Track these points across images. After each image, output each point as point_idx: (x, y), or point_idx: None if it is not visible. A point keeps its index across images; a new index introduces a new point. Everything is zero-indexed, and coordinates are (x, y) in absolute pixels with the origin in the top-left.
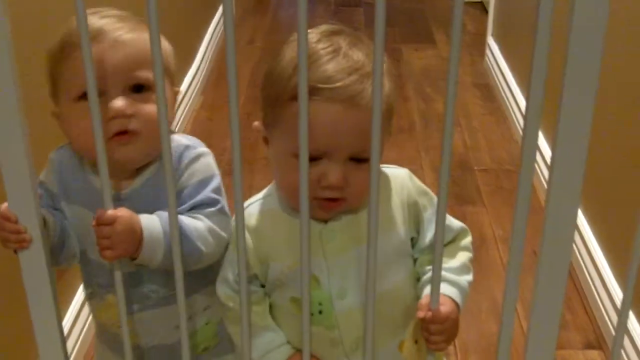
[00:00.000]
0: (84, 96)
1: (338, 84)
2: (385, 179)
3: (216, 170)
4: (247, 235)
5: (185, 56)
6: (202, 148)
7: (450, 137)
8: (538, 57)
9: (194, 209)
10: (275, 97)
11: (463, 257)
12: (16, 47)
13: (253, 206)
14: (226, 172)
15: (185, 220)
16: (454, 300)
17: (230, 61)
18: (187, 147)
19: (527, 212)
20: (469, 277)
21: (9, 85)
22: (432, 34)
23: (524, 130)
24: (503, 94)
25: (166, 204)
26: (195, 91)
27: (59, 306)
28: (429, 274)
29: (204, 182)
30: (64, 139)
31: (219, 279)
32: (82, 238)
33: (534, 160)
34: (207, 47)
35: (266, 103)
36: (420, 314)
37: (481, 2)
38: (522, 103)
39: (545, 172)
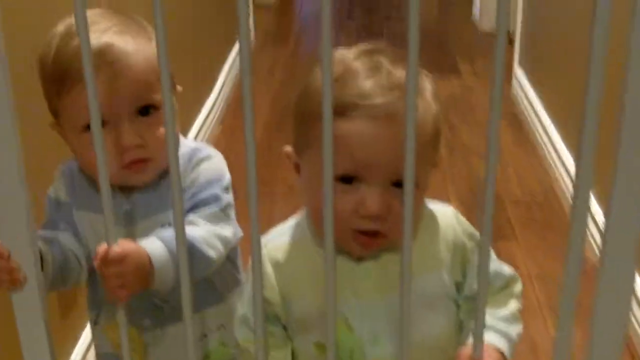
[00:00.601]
0: (89, 127)
1: (377, 101)
2: (431, 216)
3: (226, 171)
4: (269, 268)
5: (205, 84)
6: (212, 150)
7: (493, 182)
8: (589, 116)
9: (195, 207)
10: (309, 114)
11: (513, 306)
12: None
13: (278, 236)
14: (243, 202)
15: (190, 231)
16: (500, 352)
17: (247, 95)
18: (196, 149)
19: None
20: (519, 329)
21: (3, 107)
22: (456, 63)
23: (574, 198)
24: (531, 123)
25: (169, 207)
26: (214, 119)
27: (55, 353)
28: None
29: (212, 181)
30: (62, 154)
31: (237, 319)
32: (92, 248)
33: (586, 225)
34: (227, 75)
35: (298, 122)
36: None
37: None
38: (552, 132)
39: (593, 229)
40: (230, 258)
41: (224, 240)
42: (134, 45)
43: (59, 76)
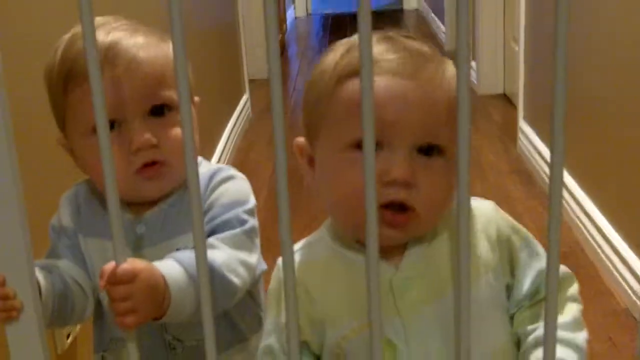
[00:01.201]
0: None
1: (392, 56)
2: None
3: (251, 195)
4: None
5: (204, 153)
6: (236, 172)
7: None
8: None
9: (216, 230)
10: (321, 90)
11: (574, 309)
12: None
13: (300, 255)
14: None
15: (210, 255)
16: None
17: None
18: (219, 169)
19: None
20: (585, 334)
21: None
22: None
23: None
24: (544, 176)
25: (187, 230)
26: None
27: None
28: (535, 334)
29: (235, 203)
30: (67, 176)
31: (261, 350)
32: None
33: None
34: (225, 144)
35: (309, 107)
36: None
37: (504, 94)
38: (568, 183)
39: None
40: (252, 294)
41: (248, 266)
42: (145, 40)
43: (65, 76)
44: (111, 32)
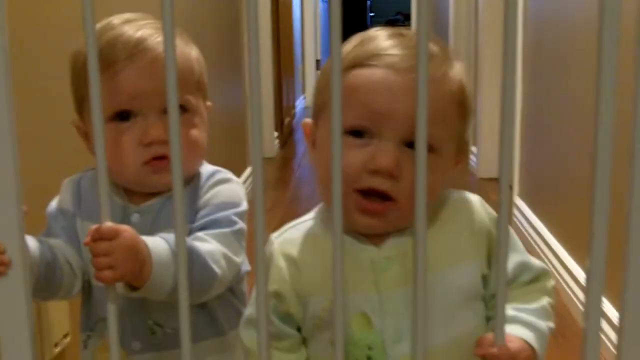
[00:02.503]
0: (115, 117)
1: (397, 52)
2: (455, 201)
3: (244, 200)
4: (281, 262)
5: None
6: (234, 176)
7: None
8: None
9: (206, 227)
10: (328, 77)
11: (543, 300)
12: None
13: (291, 230)
14: None
15: (195, 242)
16: (528, 344)
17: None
18: (218, 170)
19: None
20: (550, 324)
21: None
22: None
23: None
24: (538, 249)
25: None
26: None
27: (37, 349)
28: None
29: (228, 205)
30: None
31: (244, 321)
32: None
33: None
34: None
35: (318, 91)
36: (479, 350)
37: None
38: (562, 254)
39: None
40: (234, 291)
41: (230, 262)
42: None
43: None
44: (140, 29)
